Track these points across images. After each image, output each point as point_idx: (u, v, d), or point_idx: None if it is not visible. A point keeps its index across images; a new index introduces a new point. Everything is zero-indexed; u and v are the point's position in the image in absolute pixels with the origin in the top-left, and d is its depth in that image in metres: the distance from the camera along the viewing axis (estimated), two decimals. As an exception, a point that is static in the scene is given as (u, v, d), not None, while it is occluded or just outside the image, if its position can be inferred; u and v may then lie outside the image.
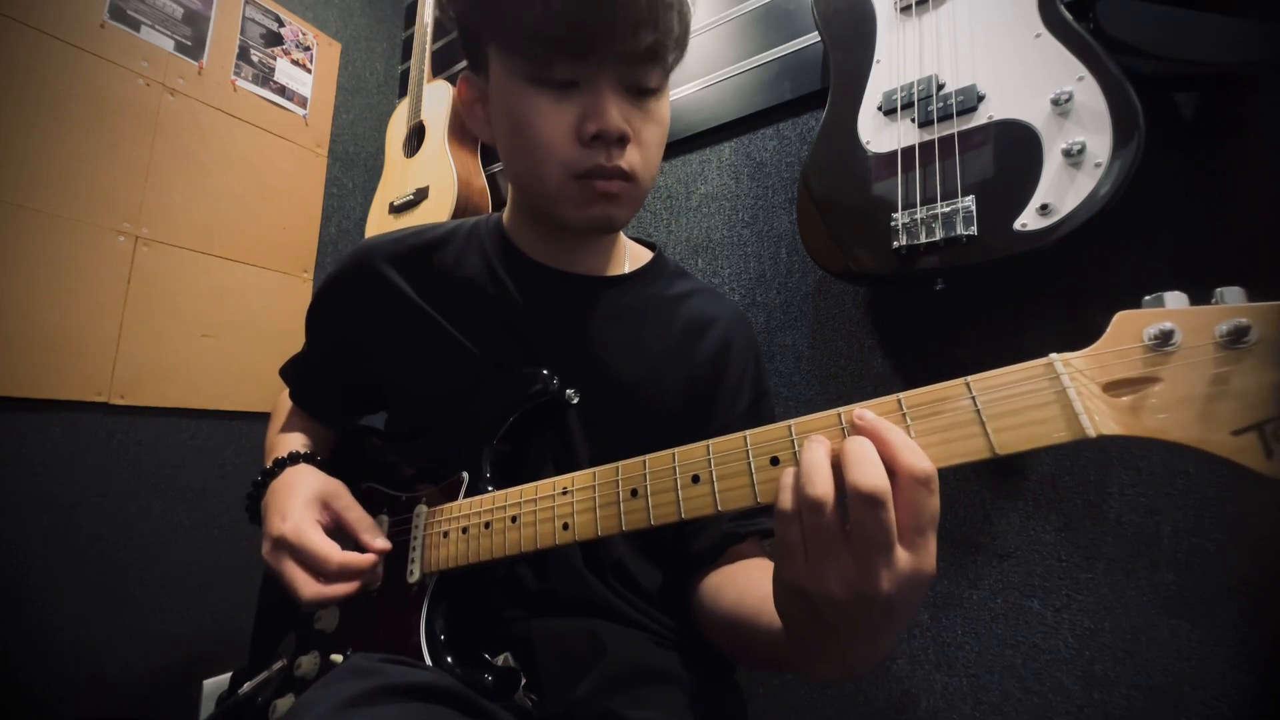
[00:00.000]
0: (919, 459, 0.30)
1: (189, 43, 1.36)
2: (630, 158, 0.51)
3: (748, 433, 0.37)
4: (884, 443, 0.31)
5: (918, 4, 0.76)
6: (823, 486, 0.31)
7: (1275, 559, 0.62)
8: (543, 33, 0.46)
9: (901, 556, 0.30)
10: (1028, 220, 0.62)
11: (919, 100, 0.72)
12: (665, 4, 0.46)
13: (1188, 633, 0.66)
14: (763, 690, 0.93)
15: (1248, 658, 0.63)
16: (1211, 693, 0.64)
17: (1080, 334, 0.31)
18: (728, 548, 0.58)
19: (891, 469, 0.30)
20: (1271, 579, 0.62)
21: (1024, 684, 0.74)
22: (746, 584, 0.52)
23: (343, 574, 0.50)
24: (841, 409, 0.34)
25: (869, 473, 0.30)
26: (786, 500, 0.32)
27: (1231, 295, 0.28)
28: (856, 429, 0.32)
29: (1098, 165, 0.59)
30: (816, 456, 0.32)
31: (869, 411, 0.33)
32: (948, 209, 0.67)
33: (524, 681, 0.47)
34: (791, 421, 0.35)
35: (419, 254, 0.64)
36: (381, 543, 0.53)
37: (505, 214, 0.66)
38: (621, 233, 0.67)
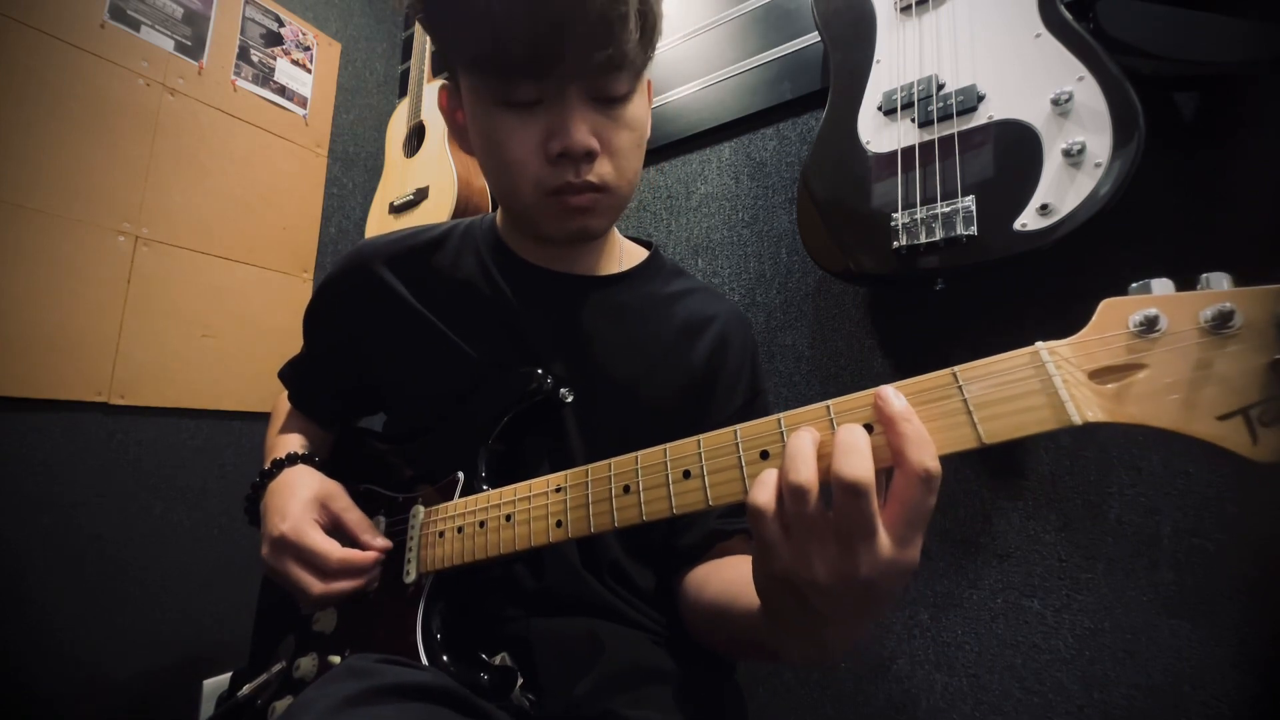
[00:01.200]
0: (928, 457, 0.30)
1: (189, 43, 1.36)
2: (601, 169, 0.51)
3: (738, 427, 0.37)
4: (898, 434, 0.30)
5: (918, 4, 0.76)
6: (806, 474, 0.31)
7: (1275, 559, 0.62)
8: (498, 57, 0.46)
9: (885, 545, 0.30)
10: (1028, 220, 0.62)
11: (919, 100, 0.72)
12: (619, 15, 0.45)
13: (1188, 633, 0.66)
14: (763, 690, 0.92)
15: (1248, 658, 0.62)
16: (1211, 693, 0.64)
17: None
18: (714, 544, 0.58)
19: (898, 460, 0.30)
20: (1271, 579, 0.62)
21: (1024, 684, 0.74)
22: (731, 573, 0.52)
23: (344, 570, 0.51)
24: (830, 401, 0.34)
25: (855, 463, 0.29)
26: (759, 496, 0.32)
27: (1216, 281, 0.28)
28: (877, 410, 0.32)
29: (1098, 165, 0.59)
30: (801, 445, 0.32)
31: (902, 396, 0.31)
32: (948, 209, 0.67)
33: (520, 681, 0.47)
34: (781, 415, 0.35)
35: (416, 255, 0.64)
36: (382, 541, 0.53)
37: (498, 215, 0.66)
38: (616, 231, 0.67)
